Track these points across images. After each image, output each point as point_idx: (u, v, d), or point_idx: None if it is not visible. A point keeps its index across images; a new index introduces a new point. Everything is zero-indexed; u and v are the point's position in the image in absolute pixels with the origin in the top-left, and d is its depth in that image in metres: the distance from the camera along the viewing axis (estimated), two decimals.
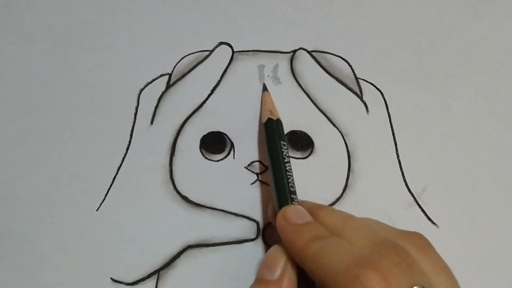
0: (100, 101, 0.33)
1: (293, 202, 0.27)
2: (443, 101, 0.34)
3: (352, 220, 0.26)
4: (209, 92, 0.33)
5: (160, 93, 0.33)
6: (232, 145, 0.32)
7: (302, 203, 0.28)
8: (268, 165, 0.29)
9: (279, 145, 0.29)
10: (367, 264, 0.21)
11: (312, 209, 0.27)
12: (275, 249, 0.26)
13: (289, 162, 0.29)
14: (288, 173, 0.28)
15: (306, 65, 0.34)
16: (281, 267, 0.25)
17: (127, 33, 0.34)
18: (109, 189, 0.31)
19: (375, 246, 0.23)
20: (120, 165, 0.32)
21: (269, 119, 0.30)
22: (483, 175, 0.32)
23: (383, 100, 0.33)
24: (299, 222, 0.26)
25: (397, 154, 0.32)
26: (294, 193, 0.28)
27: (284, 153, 0.29)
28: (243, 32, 0.34)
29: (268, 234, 0.31)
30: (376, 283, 0.21)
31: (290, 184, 0.28)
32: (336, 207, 0.31)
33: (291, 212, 0.26)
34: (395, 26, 0.35)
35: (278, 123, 0.30)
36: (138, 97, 0.33)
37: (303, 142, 0.32)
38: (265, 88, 0.32)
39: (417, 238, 0.25)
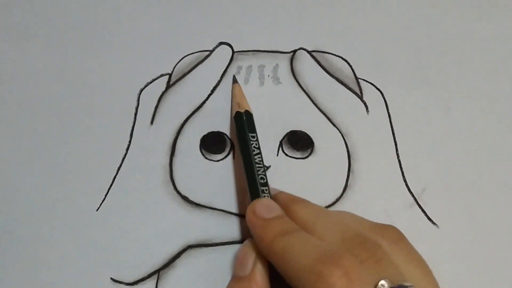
0: (100, 101, 0.33)
1: (263, 195, 0.27)
2: (443, 101, 0.34)
3: (325, 215, 0.25)
4: (209, 92, 0.33)
5: (160, 93, 0.33)
6: (232, 145, 0.32)
7: (279, 195, 0.27)
8: (241, 159, 0.29)
9: (248, 137, 0.29)
10: (330, 260, 0.21)
11: (287, 202, 0.27)
12: (245, 244, 0.26)
13: (259, 154, 0.28)
14: (258, 165, 0.28)
15: (306, 65, 0.34)
16: (251, 262, 0.25)
17: (127, 33, 0.34)
18: (109, 189, 0.31)
19: (345, 241, 0.23)
20: (120, 165, 0.32)
21: (237, 112, 0.30)
22: (483, 175, 0.32)
23: (383, 100, 0.33)
24: (268, 216, 0.25)
25: (397, 154, 0.32)
26: (265, 184, 0.27)
27: (253, 145, 0.29)
28: (243, 32, 0.34)
29: None
30: (338, 279, 0.20)
31: (260, 176, 0.28)
32: (336, 207, 0.31)
33: (260, 206, 0.26)
34: (395, 26, 0.35)
35: (247, 115, 0.30)
36: (138, 97, 0.33)
37: (303, 142, 0.32)
38: (235, 80, 0.32)
39: (390, 231, 0.24)
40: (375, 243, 0.23)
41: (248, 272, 0.25)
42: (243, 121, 0.30)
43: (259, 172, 0.28)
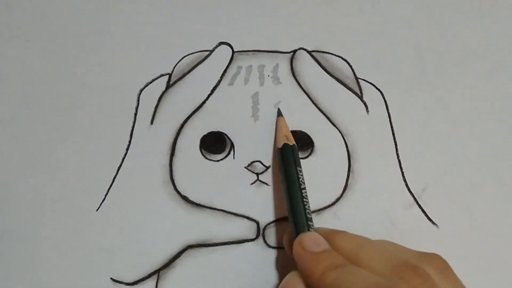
0: (100, 101, 0.33)
1: (310, 229, 0.27)
2: (443, 101, 0.34)
3: (368, 244, 0.25)
4: (209, 92, 0.33)
5: (160, 93, 0.33)
6: (232, 145, 0.32)
7: (318, 230, 0.28)
8: (284, 191, 0.29)
9: (295, 171, 0.29)
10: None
11: (328, 235, 0.27)
12: (292, 276, 0.26)
13: (305, 188, 0.29)
14: (304, 199, 0.28)
15: (306, 65, 0.34)
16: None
17: (127, 33, 0.34)
18: (109, 189, 0.31)
19: (394, 269, 0.23)
20: (120, 165, 0.32)
21: (285, 145, 0.30)
22: (483, 175, 0.32)
23: (383, 100, 0.33)
24: (316, 250, 0.25)
25: (397, 154, 0.32)
26: (311, 219, 0.28)
27: (301, 179, 0.29)
28: (243, 32, 0.34)
29: (268, 234, 0.31)
30: None
31: (307, 210, 0.28)
32: (336, 207, 0.31)
33: (308, 240, 0.26)
34: (395, 26, 0.35)
35: (294, 148, 0.30)
36: (138, 97, 0.33)
37: (303, 142, 0.32)
38: (279, 113, 0.32)
39: (437, 260, 0.24)
40: (424, 271, 0.23)
41: None
42: (291, 155, 0.29)
43: (306, 207, 0.28)
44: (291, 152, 0.30)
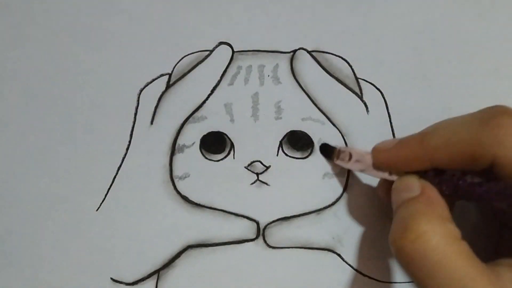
0: (100, 101, 0.33)
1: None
2: (443, 101, 0.34)
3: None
4: (209, 92, 0.33)
5: (160, 93, 0.33)
6: (232, 145, 0.32)
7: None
8: None
9: None
10: (497, 112, 0.23)
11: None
12: (402, 177, 0.26)
13: None
14: None
15: (306, 65, 0.34)
16: (417, 183, 0.25)
17: (127, 33, 0.34)
18: (109, 189, 0.31)
19: (481, 111, 0.24)
20: (120, 165, 0.32)
21: None
22: None
23: (383, 100, 0.33)
24: (395, 143, 0.27)
25: None
26: None
27: None
28: (243, 32, 0.34)
29: (268, 234, 0.31)
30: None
31: None
32: (336, 207, 0.31)
33: (382, 145, 0.28)
34: (395, 26, 0.35)
35: None
36: (138, 97, 0.33)
37: (303, 142, 0.32)
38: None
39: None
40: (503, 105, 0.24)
41: (418, 191, 0.25)
42: None
43: None
44: None
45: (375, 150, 0.28)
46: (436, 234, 0.22)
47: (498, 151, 0.22)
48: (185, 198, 0.31)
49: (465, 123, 0.24)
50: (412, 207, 0.24)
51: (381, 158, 0.28)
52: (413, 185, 0.25)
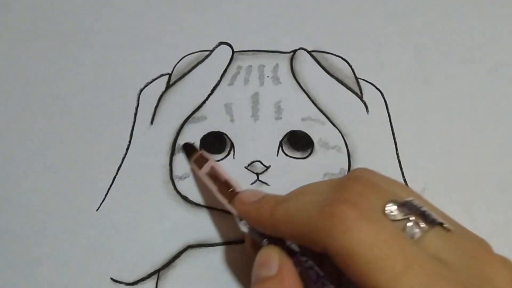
0: (100, 101, 0.33)
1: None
2: (443, 101, 0.34)
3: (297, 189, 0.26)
4: (209, 92, 0.33)
5: (160, 93, 0.33)
6: (232, 145, 0.32)
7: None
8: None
9: None
10: (335, 201, 0.22)
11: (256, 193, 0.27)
12: (265, 247, 0.26)
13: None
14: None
15: (306, 65, 0.34)
16: (276, 260, 0.25)
17: (127, 33, 0.34)
18: (109, 189, 0.31)
19: (334, 187, 0.23)
20: (120, 165, 0.32)
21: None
22: (483, 175, 0.32)
23: (383, 100, 0.33)
24: (257, 198, 0.26)
25: (397, 154, 0.32)
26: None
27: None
28: (243, 32, 0.34)
29: None
30: (351, 212, 0.21)
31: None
32: None
33: (245, 194, 0.27)
34: (395, 26, 0.35)
35: None
36: (138, 97, 0.33)
37: (303, 142, 0.32)
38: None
39: (362, 169, 0.25)
40: (362, 177, 0.23)
41: (275, 270, 0.24)
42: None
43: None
44: None
45: (238, 200, 0.27)
46: None
47: (328, 241, 0.21)
48: (185, 198, 0.31)
49: (310, 203, 0.23)
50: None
51: (241, 211, 0.27)
52: (272, 263, 0.25)
